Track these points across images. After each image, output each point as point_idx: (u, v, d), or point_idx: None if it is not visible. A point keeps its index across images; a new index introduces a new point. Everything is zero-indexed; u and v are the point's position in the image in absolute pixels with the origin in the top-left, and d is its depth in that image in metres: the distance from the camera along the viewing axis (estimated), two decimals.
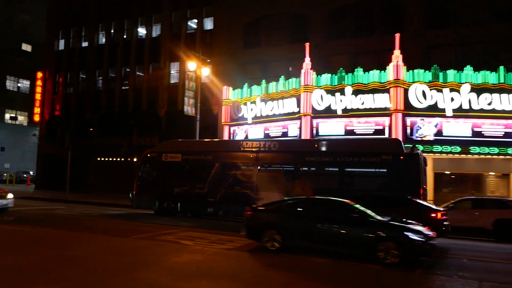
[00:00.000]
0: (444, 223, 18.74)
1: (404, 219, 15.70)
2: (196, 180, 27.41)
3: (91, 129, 49.30)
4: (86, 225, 21.37)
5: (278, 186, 24.65)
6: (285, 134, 33.85)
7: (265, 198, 23.45)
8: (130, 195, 29.33)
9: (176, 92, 44.68)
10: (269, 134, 34.76)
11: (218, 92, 40.58)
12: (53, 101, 53.74)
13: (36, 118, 54.54)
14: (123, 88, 48.62)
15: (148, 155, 29.50)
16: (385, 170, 22.62)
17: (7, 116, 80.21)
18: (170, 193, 28.16)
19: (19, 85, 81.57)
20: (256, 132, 36.05)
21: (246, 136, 36.04)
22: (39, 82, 54.09)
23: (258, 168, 25.81)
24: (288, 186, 24.45)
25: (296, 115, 33.43)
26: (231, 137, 37.20)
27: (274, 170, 25.83)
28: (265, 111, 35.83)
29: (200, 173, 27.49)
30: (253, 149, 26.45)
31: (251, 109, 36.82)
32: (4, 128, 75.86)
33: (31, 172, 68.90)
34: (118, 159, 45.94)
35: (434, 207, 19.46)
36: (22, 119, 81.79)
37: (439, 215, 18.71)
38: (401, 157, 22.47)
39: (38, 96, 54.12)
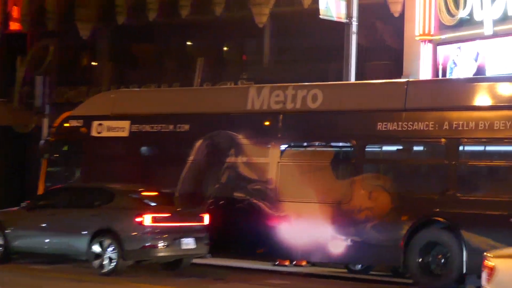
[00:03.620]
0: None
1: None
2: (158, 177, 22.33)
3: (95, 63, 39.85)
4: None
5: (321, 191, 19.75)
6: None
7: (291, 215, 19.98)
8: None
9: None
10: None
11: None
12: None
13: None
14: None
15: (66, 125, 23.72)
16: None
17: None
18: None
19: None
20: (504, 56, 25.25)
21: (480, 70, 24.97)
22: None
23: (281, 149, 20.43)
24: (340, 190, 20.00)
25: None
26: (440, 72, 25.99)
27: (312, 155, 20.57)
28: None
29: (167, 163, 22.20)
30: (270, 108, 20.54)
31: None
32: None
33: None
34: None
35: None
36: None
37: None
38: None
39: None
